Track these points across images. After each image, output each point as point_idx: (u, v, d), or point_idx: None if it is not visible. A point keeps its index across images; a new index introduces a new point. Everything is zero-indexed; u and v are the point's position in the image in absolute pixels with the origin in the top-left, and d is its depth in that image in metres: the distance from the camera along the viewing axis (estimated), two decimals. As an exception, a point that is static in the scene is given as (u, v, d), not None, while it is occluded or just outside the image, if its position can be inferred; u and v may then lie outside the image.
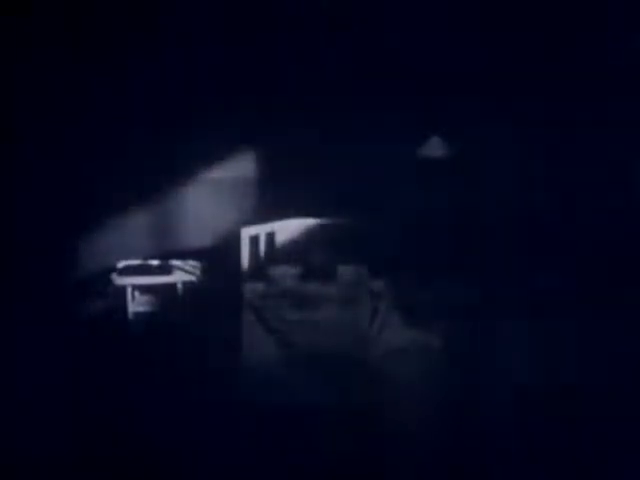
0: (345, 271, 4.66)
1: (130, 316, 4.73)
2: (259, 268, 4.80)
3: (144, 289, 4.83)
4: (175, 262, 4.98)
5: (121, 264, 4.91)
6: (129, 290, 4.73)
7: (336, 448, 3.47)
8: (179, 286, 4.79)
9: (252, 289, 4.51)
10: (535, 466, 3.37)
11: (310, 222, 4.89)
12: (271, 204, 4.99)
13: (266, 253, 4.88)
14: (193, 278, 4.82)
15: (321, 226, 4.87)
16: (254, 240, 4.86)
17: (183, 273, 4.86)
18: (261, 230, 4.86)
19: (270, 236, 4.89)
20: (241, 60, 4.86)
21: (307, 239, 4.85)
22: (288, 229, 4.89)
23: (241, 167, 5.08)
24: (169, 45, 4.75)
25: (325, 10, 4.79)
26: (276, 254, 4.86)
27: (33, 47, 4.68)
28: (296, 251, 4.81)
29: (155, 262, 4.98)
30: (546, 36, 4.83)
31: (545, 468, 3.36)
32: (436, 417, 3.67)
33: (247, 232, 4.83)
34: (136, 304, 4.78)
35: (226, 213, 5.05)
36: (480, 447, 3.49)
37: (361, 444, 3.51)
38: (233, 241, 4.81)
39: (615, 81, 4.82)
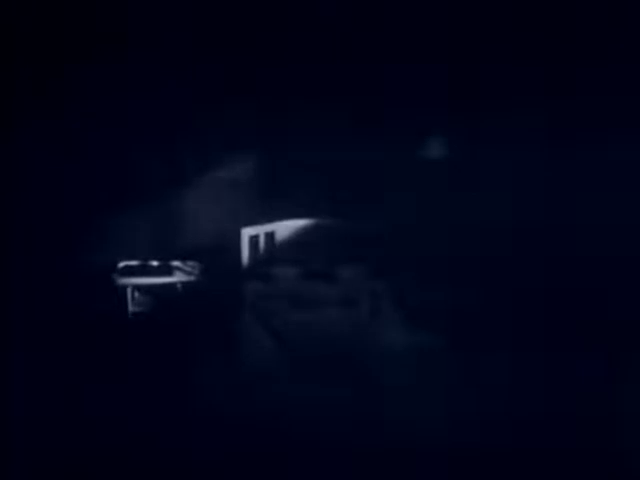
0: (345, 271, 4.67)
1: (130, 316, 4.73)
2: (259, 268, 4.81)
3: (144, 289, 4.83)
4: (175, 262, 4.97)
5: (121, 264, 4.91)
6: (129, 290, 4.73)
7: (335, 447, 3.47)
8: (179, 286, 4.79)
9: (252, 289, 4.52)
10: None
11: (310, 222, 4.89)
12: (271, 204, 4.99)
13: (266, 253, 4.89)
14: (193, 278, 4.82)
15: (321, 226, 4.87)
16: (254, 240, 4.87)
17: (183, 273, 4.86)
18: (261, 230, 4.86)
19: (270, 236, 4.89)
20: (243, 59, 4.86)
21: (307, 239, 4.85)
22: (288, 229, 4.89)
23: (241, 167, 5.08)
24: (171, 43, 4.76)
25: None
26: (276, 254, 4.87)
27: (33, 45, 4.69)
28: (296, 251, 4.82)
29: (155, 262, 4.97)
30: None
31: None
32: (436, 417, 3.67)
33: (247, 232, 4.83)
34: (136, 304, 4.77)
35: (226, 213, 5.04)
36: (480, 447, 3.50)
37: (361, 443, 3.52)
38: (233, 241, 4.82)
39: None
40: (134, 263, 4.94)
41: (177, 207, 5.03)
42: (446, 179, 4.95)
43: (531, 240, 4.87)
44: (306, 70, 4.87)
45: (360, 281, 4.59)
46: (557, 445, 3.59)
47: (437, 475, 3.37)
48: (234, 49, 4.81)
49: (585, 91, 4.72)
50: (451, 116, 4.94)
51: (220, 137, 4.94)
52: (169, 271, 4.86)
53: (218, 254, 5.00)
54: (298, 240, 4.88)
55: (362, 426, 3.55)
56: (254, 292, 4.48)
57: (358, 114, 4.85)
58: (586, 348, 4.26)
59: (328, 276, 4.63)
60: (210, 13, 4.72)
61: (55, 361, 4.23)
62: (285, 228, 4.88)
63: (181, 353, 4.32)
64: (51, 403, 3.80)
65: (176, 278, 4.81)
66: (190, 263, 4.98)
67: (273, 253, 4.88)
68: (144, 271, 4.85)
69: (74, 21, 4.67)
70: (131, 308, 4.74)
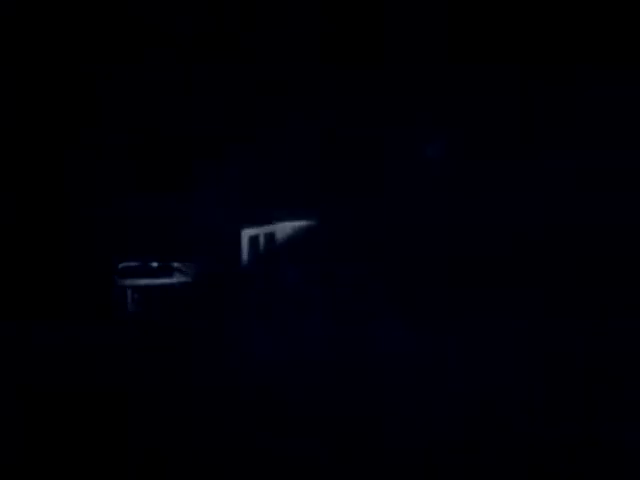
0: (344, 271, 4.66)
1: (130, 317, 4.73)
2: (259, 269, 4.80)
3: (144, 290, 4.83)
4: (175, 263, 4.97)
5: (121, 265, 4.91)
6: (129, 291, 4.73)
7: (335, 447, 3.47)
8: (179, 287, 4.79)
9: (252, 290, 4.51)
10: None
11: (310, 222, 4.89)
12: (271, 204, 4.99)
13: (266, 253, 4.89)
14: (193, 279, 4.82)
15: (321, 226, 4.87)
16: (254, 240, 4.86)
17: (183, 274, 4.85)
18: (261, 230, 4.86)
19: (270, 236, 4.89)
20: (242, 57, 4.88)
21: (307, 239, 4.85)
22: (288, 229, 4.89)
23: (241, 167, 5.09)
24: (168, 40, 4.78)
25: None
26: (276, 254, 4.86)
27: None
28: (296, 251, 4.81)
29: (155, 263, 4.97)
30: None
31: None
32: (435, 417, 3.66)
33: (247, 232, 4.84)
34: (136, 305, 4.77)
35: (226, 213, 5.05)
36: (481, 448, 3.48)
37: (360, 443, 3.51)
38: (233, 241, 4.82)
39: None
40: (134, 264, 4.94)
41: (177, 207, 5.04)
42: (446, 178, 4.96)
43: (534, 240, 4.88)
44: (306, 68, 4.89)
45: (360, 281, 4.59)
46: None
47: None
48: (233, 47, 4.83)
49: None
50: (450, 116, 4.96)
51: (220, 137, 4.95)
52: (169, 272, 4.86)
53: (218, 254, 5.00)
54: (298, 240, 4.88)
55: (362, 426, 3.54)
56: (254, 293, 4.47)
57: (359, 112, 4.87)
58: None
59: (328, 276, 4.62)
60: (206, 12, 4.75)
61: (54, 362, 4.22)
62: (285, 228, 4.89)
63: (180, 354, 4.31)
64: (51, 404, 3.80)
65: (176, 279, 4.81)
66: (190, 264, 4.98)
67: (273, 253, 4.88)
68: (144, 272, 4.85)
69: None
70: (131, 309, 4.74)
